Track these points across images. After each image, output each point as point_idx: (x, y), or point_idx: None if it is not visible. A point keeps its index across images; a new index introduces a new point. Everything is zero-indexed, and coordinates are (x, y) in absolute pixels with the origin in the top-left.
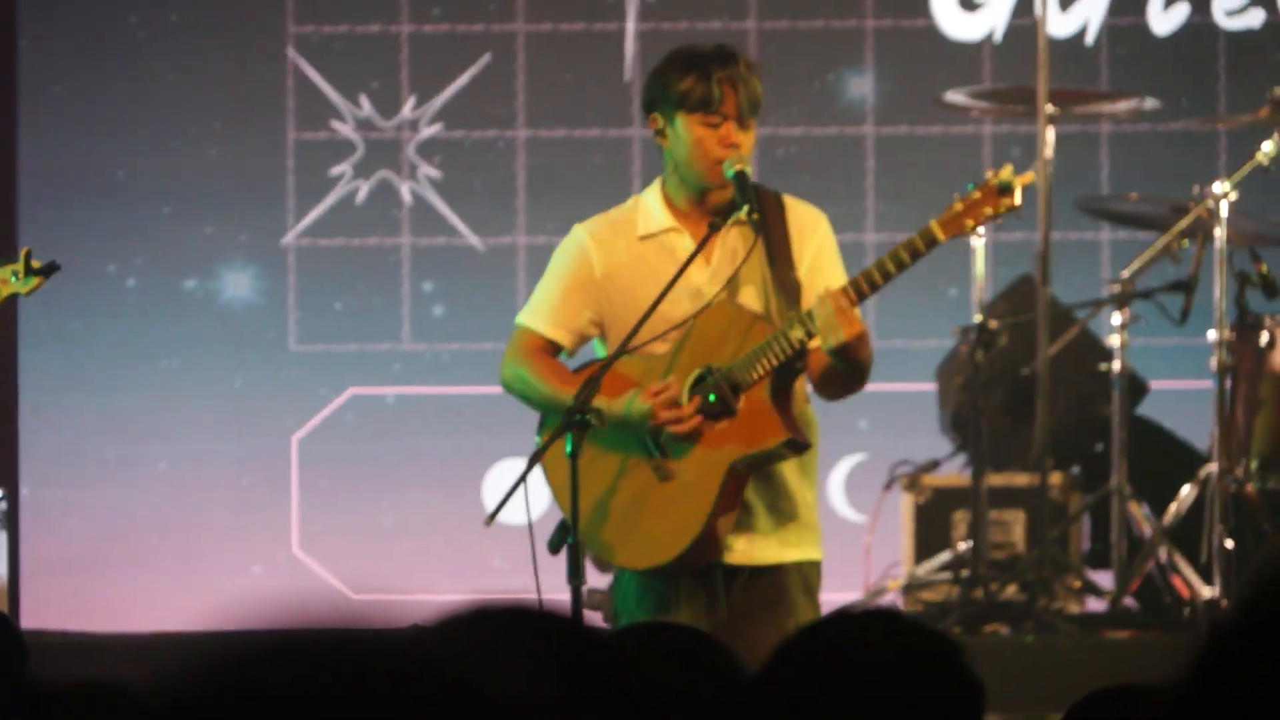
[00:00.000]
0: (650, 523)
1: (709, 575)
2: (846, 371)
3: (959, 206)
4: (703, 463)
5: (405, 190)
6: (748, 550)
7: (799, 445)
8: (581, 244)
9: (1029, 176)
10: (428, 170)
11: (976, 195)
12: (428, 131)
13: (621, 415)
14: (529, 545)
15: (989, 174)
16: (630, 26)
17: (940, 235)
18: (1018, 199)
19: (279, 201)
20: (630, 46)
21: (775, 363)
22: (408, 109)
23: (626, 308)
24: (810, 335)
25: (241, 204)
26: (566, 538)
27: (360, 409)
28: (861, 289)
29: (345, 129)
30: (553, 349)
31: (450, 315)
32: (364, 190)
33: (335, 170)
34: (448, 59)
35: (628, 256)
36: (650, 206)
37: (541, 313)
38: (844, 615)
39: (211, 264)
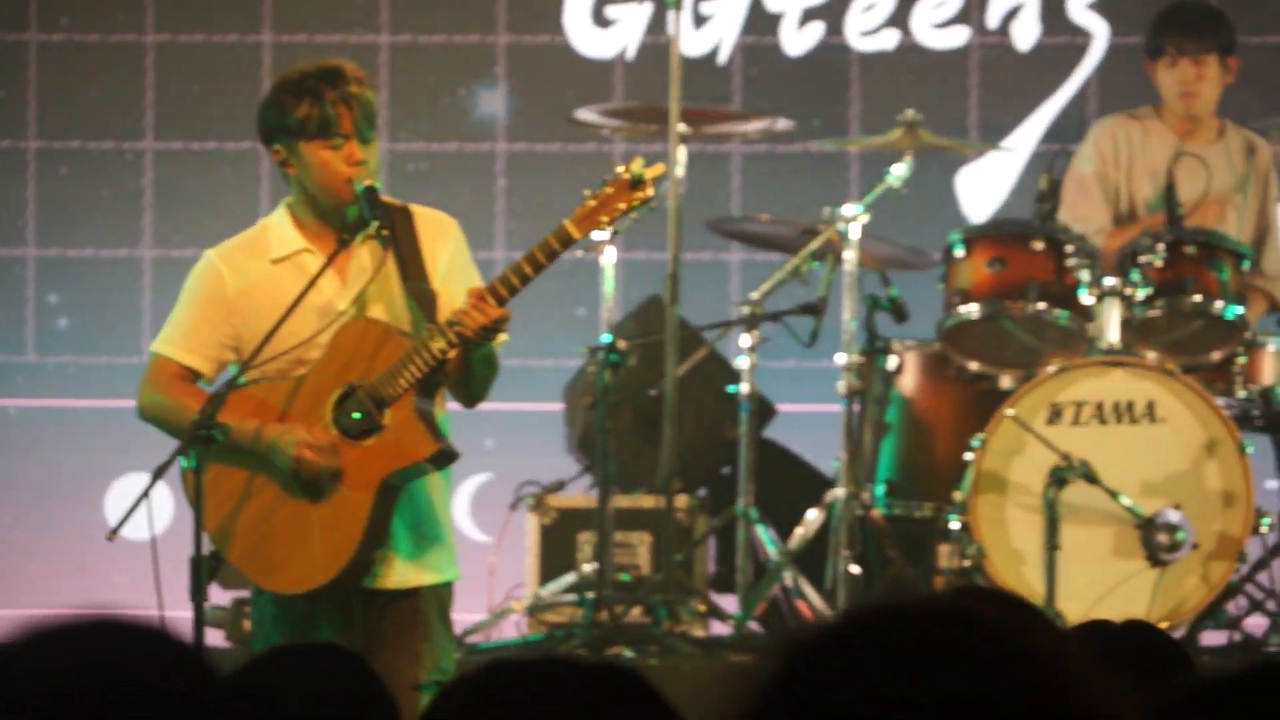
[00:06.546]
0: (303, 546)
1: (346, 599)
2: (481, 362)
3: (592, 203)
4: (353, 482)
5: (31, 200)
6: (388, 574)
7: (450, 455)
8: (214, 267)
9: (659, 168)
10: (55, 180)
11: (609, 190)
12: (56, 141)
13: (267, 444)
14: (152, 561)
15: (619, 168)
16: (265, 38)
17: (575, 233)
18: (650, 191)
19: None
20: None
21: (419, 374)
22: (35, 118)
23: (262, 330)
24: (451, 345)
25: None
26: (218, 566)
27: None
28: (499, 293)
29: None
30: (191, 375)
31: (75, 328)
32: None
33: None
34: (75, 68)
35: (261, 278)
36: (281, 228)
37: (176, 340)
38: (501, 662)
39: None
